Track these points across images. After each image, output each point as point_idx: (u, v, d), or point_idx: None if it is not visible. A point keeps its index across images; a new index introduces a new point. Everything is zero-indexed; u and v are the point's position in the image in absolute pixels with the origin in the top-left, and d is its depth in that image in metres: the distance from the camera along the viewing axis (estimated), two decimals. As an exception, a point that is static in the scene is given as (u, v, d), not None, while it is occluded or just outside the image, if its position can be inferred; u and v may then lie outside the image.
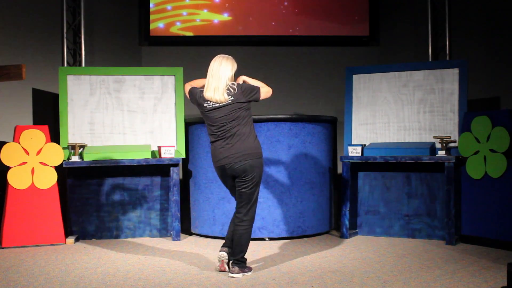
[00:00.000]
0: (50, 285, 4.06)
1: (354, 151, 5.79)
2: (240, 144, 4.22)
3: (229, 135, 4.23)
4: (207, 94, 4.23)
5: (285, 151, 5.72)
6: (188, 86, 4.45)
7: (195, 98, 4.32)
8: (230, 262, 4.32)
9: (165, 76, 6.12)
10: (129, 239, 5.82)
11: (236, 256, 4.29)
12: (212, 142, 4.34)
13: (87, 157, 5.66)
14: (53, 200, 5.55)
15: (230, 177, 4.32)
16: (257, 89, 4.29)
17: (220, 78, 4.21)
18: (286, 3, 7.36)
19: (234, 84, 4.25)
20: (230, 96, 4.21)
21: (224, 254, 4.32)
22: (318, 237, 5.83)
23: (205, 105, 4.25)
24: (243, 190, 4.28)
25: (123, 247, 5.39)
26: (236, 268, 4.26)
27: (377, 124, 6.05)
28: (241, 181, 4.27)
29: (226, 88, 4.21)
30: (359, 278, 4.14)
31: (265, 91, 4.33)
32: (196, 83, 4.46)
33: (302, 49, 7.52)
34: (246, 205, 4.30)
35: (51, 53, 6.76)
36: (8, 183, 5.46)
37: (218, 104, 4.21)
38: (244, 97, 4.24)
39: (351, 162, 5.82)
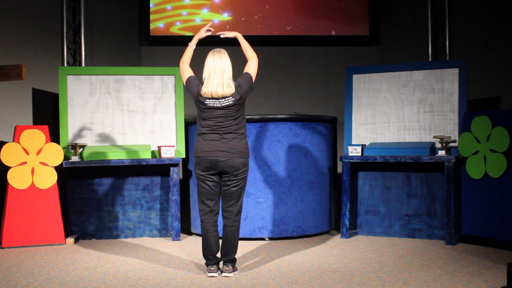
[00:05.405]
0: (50, 285, 4.06)
1: (354, 151, 5.79)
2: (236, 143, 4.24)
3: (226, 132, 4.23)
4: (208, 89, 4.20)
5: (285, 151, 5.72)
6: (182, 65, 4.42)
7: (192, 91, 4.29)
8: (222, 262, 4.33)
9: (165, 76, 6.12)
10: (129, 239, 5.82)
11: (230, 256, 4.31)
12: (202, 134, 4.28)
13: (87, 157, 5.66)
14: (53, 200, 5.55)
15: (217, 173, 4.27)
16: (250, 79, 4.29)
17: (223, 71, 4.20)
18: (286, 3, 7.36)
19: (234, 83, 4.25)
20: (232, 95, 4.22)
21: (216, 275, 4.28)
22: (318, 237, 5.83)
23: (206, 102, 4.24)
24: (234, 188, 4.27)
25: (123, 247, 5.39)
26: (230, 267, 4.29)
27: (377, 124, 6.05)
28: (232, 179, 4.26)
29: (228, 83, 4.21)
30: (359, 278, 4.14)
31: (255, 69, 4.35)
32: (187, 58, 4.44)
33: (302, 49, 7.52)
34: (235, 203, 4.31)
35: (51, 53, 6.76)
36: (8, 183, 5.45)
37: (219, 103, 4.21)
38: (243, 91, 4.24)
39: (351, 162, 5.82)
